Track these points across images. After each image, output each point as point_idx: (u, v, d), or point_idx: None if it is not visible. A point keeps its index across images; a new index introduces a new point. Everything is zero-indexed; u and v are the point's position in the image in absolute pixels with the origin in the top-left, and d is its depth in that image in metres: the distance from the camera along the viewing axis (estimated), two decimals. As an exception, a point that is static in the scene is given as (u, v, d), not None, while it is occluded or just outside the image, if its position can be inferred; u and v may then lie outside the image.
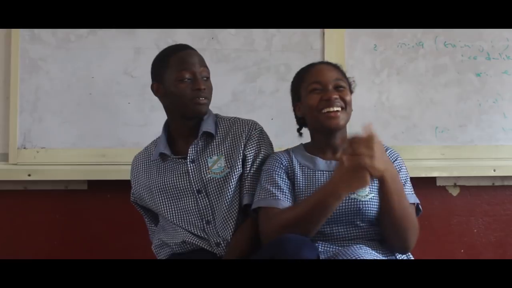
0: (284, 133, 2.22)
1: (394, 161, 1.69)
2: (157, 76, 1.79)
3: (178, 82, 1.73)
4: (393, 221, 1.52)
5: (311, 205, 1.50)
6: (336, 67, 1.74)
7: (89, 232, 2.30)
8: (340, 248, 1.54)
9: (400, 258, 1.61)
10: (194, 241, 1.72)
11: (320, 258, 1.48)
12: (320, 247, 1.57)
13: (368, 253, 1.48)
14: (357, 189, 1.49)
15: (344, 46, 2.34)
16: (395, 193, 1.49)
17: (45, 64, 2.29)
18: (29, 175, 2.23)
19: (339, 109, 1.65)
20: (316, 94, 1.66)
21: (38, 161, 2.26)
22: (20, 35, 2.27)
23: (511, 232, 2.37)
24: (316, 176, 1.66)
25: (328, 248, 1.57)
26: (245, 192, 1.72)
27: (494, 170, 2.30)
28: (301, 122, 1.80)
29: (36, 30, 2.28)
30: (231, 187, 1.72)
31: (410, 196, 1.65)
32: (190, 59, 1.75)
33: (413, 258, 1.64)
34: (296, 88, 1.76)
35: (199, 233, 1.73)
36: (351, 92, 1.74)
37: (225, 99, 2.30)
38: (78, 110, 2.29)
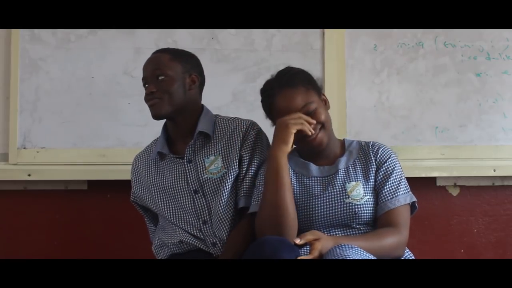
0: (284, 133, 2.21)
1: (387, 159, 1.66)
2: None
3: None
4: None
5: (266, 181, 1.58)
6: (298, 84, 1.65)
7: (89, 232, 2.30)
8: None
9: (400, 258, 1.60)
10: (191, 241, 1.72)
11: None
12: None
13: (357, 254, 1.44)
14: (284, 142, 1.58)
15: (344, 46, 2.33)
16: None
17: (45, 64, 2.29)
18: (29, 175, 2.23)
19: (317, 131, 1.63)
20: None
21: (38, 161, 2.26)
22: (20, 35, 2.27)
23: (511, 232, 2.37)
24: (310, 183, 1.66)
25: None
26: (241, 194, 1.72)
27: (494, 170, 2.30)
28: None
29: (36, 30, 2.28)
30: (227, 187, 1.72)
31: (406, 196, 1.63)
32: (144, 65, 1.81)
33: (413, 258, 1.64)
34: (269, 113, 1.71)
35: (195, 233, 1.73)
36: (321, 92, 1.70)
37: (225, 99, 2.30)
38: (78, 110, 2.29)
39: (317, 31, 2.33)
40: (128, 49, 2.31)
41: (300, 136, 1.61)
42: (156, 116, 1.76)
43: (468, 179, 2.35)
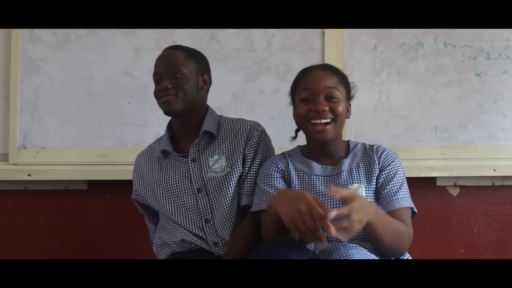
0: (284, 133, 2.21)
1: (391, 163, 1.66)
2: None
3: (154, 84, 1.79)
4: (387, 247, 1.51)
5: (270, 222, 1.48)
6: (334, 72, 1.67)
7: (89, 232, 2.30)
8: (331, 246, 1.50)
9: (400, 258, 1.60)
10: (192, 240, 1.73)
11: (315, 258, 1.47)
12: (313, 247, 1.56)
13: (361, 254, 1.44)
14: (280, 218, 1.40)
15: (344, 46, 2.34)
16: (383, 227, 1.45)
17: (45, 64, 2.29)
18: (29, 175, 2.23)
19: (328, 121, 1.61)
20: (305, 104, 1.63)
21: (38, 161, 2.26)
22: (20, 35, 2.28)
23: (511, 232, 2.38)
24: (312, 181, 1.66)
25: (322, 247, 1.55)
26: (244, 193, 1.73)
27: (494, 170, 2.30)
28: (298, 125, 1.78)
29: (36, 30, 2.28)
30: (231, 186, 1.73)
31: (406, 200, 1.62)
32: (158, 61, 1.80)
33: (410, 258, 1.64)
34: (292, 92, 1.73)
35: (197, 232, 1.74)
36: (350, 98, 1.70)
37: (225, 99, 2.30)
38: (78, 110, 2.29)
39: (317, 31, 2.34)
40: (128, 49, 2.31)
41: (307, 120, 1.62)
42: (168, 112, 1.76)
43: (468, 179, 2.35)
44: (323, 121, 1.60)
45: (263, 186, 1.66)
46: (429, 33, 2.36)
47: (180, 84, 1.74)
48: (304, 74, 1.68)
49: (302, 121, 1.66)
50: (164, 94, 1.74)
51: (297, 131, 1.80)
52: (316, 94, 1.61)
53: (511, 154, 2.34)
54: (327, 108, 1.60)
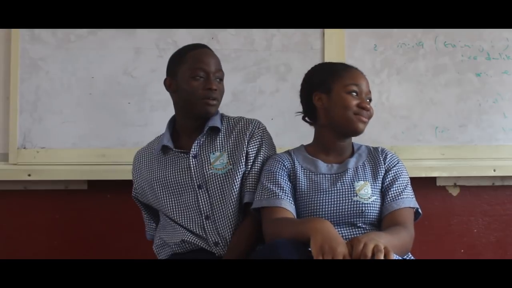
0: (284, 133, 2.22)
1: (396, 164, 1.72)
2: (171, 71, 1.81)
3: (191, 79, 1.74)
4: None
5: (296, 233, 1.45)
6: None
7: (89, 232, 2.30)
8: None
9: (400, 258, 1.60)
10: (192, 241, 1.72)
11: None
12: None
13: None
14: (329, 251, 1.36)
15: (344, 46, 2.34)
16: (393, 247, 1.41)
17: (45, 64, 2.29)
18: (29, 175, 2.23)
19: (368, 119, 1.70)
20: (354, 97, 1.67)
21: (38, 161, 2.26)
22: (20, 35, 2.27)
23: (511, 232, 2.38)
24: (318, 179, 1.68)
25: None
26: (246, 190, 1.73)
27: (494, 170, 2.30)
28: (312, 111, 1.76)
29: (36, 30, 2.28)
30: (235, 184, 1.73)
31: (410, 200, 1.66)
32: (206, 58, 1.77)
33: (413, 258, 1.64)
34: (327, 79, 1.71)
35: (197, 231, 1.73)
36: None
37: (225, 99, 2.26)
38: (78, 110, 2.29)
39: (317, 31, 2.33)
40: (128, 49, 2.31)
41: (352, 112, 1.66)
42: (210, 114, 1.78)
43: (468, 179, 2.35)
44: (365, 118, 1.68)
45: (267, 184, 1.67)
46: (429, 33, 2.36)
47: (222, 90, 1.80)
48: (347, 69, 1.73)
49: (345, 111, 1.66)
50: (211, 95, 1.74)
51: (304, 117, 1.80)
52: (362, 92, 1.70)
53: (511, 154, 2.34)
54: (369, 108, 1.69)
